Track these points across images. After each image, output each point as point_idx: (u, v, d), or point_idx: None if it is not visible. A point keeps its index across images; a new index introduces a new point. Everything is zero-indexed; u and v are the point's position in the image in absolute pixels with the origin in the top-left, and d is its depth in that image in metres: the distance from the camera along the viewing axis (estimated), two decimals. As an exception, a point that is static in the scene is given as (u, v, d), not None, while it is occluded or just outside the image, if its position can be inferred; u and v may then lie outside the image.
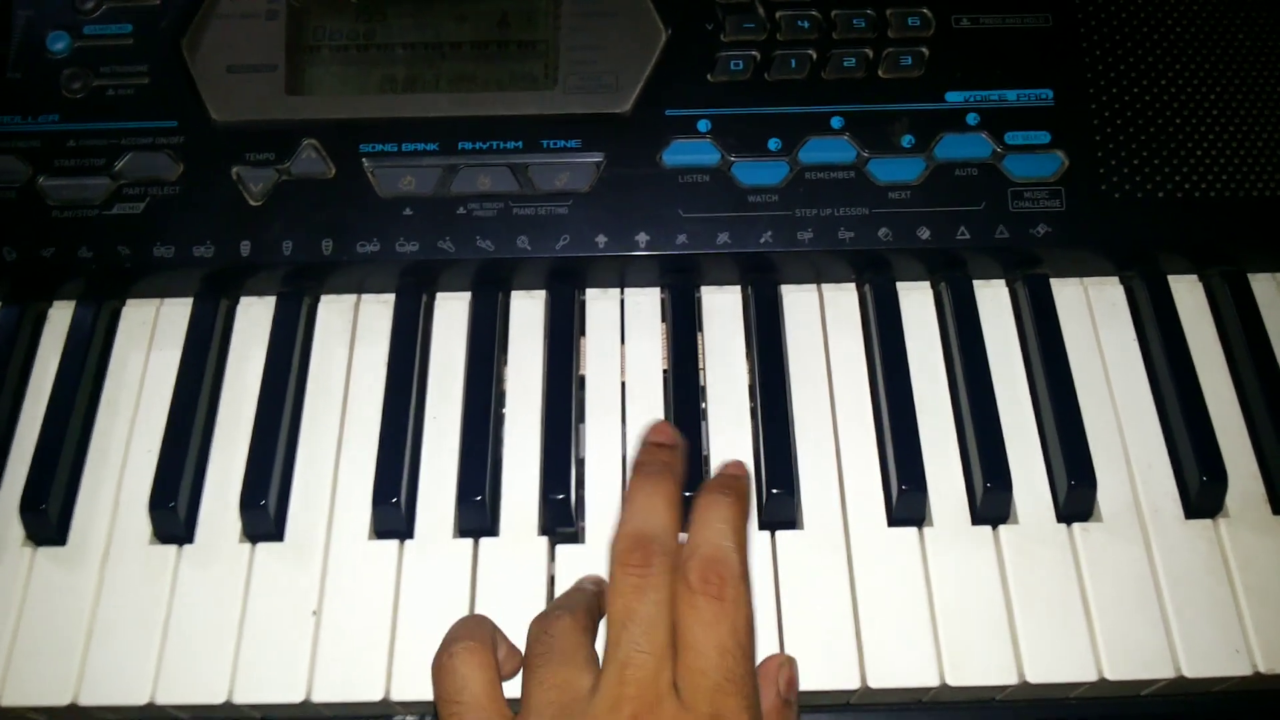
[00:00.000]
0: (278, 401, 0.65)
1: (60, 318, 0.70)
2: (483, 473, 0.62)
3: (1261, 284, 0.69)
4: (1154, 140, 0.68)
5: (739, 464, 0.58)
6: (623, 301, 0.70)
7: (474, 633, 0.54)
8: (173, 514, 0.62)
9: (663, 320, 0.69)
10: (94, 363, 0.68)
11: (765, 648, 0.58)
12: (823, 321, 0.69)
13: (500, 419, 0.66)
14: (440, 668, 0.52)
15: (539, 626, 0.53)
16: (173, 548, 0.62)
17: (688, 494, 0.55)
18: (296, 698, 0.58)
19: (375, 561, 0.61)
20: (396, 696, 0.58)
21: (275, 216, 0.68)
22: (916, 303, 0.69)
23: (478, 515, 0.62)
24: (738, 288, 0.70)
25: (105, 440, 0.66)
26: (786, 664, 0.55)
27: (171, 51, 0.71)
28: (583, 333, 0.69)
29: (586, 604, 0.55)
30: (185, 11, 0.71)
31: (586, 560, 0.61)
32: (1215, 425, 0.63)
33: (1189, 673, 0.58)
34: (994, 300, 0.69)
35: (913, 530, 0.62)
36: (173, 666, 0.59)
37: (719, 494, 0.54)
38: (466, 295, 0.70)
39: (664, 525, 0.53)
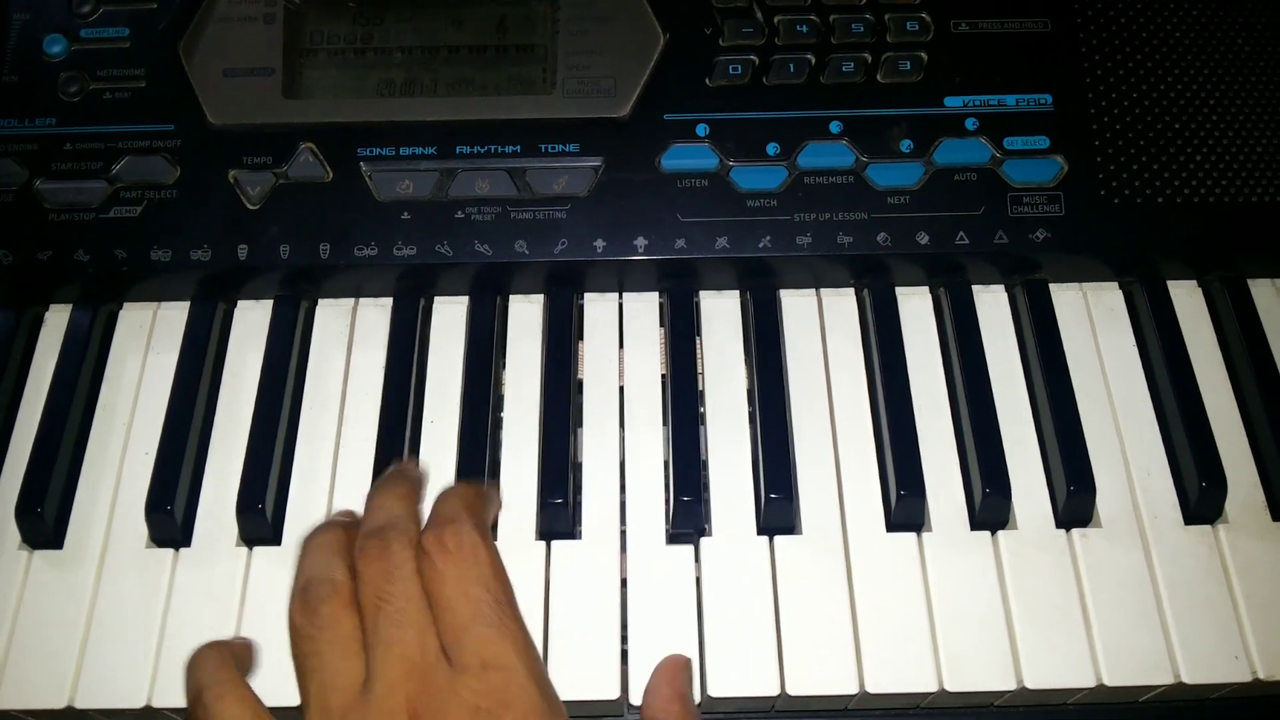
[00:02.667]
0: (275, 405, 0.65)
1: (57, 321, 0.70)
2: (480, 477, 0.62)
3: (1261, 289, 0.69)
4: (1153, 145, 0.68)
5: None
6: (621, 306, 0.70)
7: (216, 672, 0.51)
8: (170, 517, 0.62)
9: (661, 325, 0.69)
10: (91, 366, 0.68)
11: (763, 652, 0.58)
12: (821, 327, 0.69)
13: (498, 423, 0.66)
14: None
15: (302, 619, 0.51)
16: (169, 551, 0.62)
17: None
18: (295, 700, 0.58)
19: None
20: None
21: (272, 220, 0.68)
22: (915, 308, 0.69)
23: (475, 520, 0.61)
24: (736, 293, 0.70)
25: (102, 444, 0.66)
26: (686, 664, 0.56)
27: (168, 55, 0.71)
28: (581, 337, 0.69)
29: (344, 573, 0.52)
30: (182, 15, 0.71)
31: (581, 557, 0.61)
32: (1215, 431, 0.63)
33: (1188, 679, 0.58)
34: (993, 305, 0.69)
35: (911, 536, 0.62)
36: (170, 669, 0.59)
37: (453, 487, 0.55)
38: (464, 299, 0.70)
39: (398, 514, 0.53)
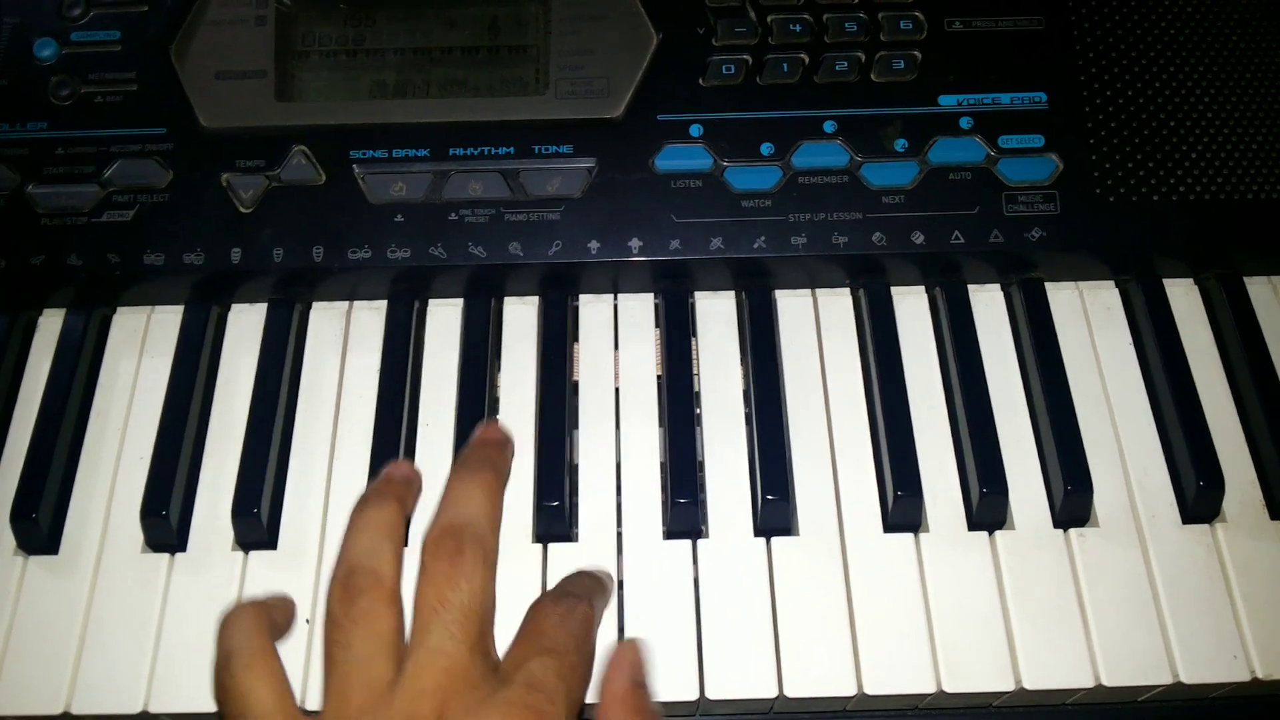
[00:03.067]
0: (270, 409, 0.65)
1: (50, 325, 0.69)
2: (476, 480, 0.62)
3: (1257, 287, 0.69)
4: (1148, 143, 0.68)
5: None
6: (616, 307, 0.70)
7: (249, 639, 0.50)
8: (165, 522, 0.61)
9: (656, 326, 0.69)
10: (85, 370, 0.67)
11: (761, 654, 0.58)
12: (817, 327, 0.68)
13: (493, 426, 0.65)
14: (220, 688, 0.50)
15: (339, 607, 0.50)
16: (165, 556, 0.62)
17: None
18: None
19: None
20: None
21: (266, 223, 0.67)
22: (911, 307, 0.69)
23: (471, 523, 0.61)
24: (731, 293, 0.69)
25: (96, 448, 0.65)
26: (638, 650, 0.53)
27: (160, 58, 0.70)
28: (576, 339, 0.68)
29: (392, 563, 0.52)
30: (174, 18, 0.71)
31: (578, 560, 0.61)
32: (1212, 430, 0.63)
33: (1187, 679, 0.58)
34: (989, 305, 0.69)
35: (909, 536, 0.62)
36: (166, 675, 0.59)
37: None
38: (459, 302, 0.69)
39: (477, 514, 0.52)
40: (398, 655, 0.49)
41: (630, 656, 0.52)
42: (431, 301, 0.70)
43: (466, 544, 0.50)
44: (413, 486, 0.58)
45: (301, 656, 0.59)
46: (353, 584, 0.50)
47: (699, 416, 0.65)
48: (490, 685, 0.47)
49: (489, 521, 0.53)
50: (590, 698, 0.51)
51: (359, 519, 0.53)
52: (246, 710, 0.49)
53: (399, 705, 0.47)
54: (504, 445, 0.58)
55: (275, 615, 0.54)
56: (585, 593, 0.53)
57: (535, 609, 0.52)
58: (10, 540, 0.63)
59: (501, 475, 0.56)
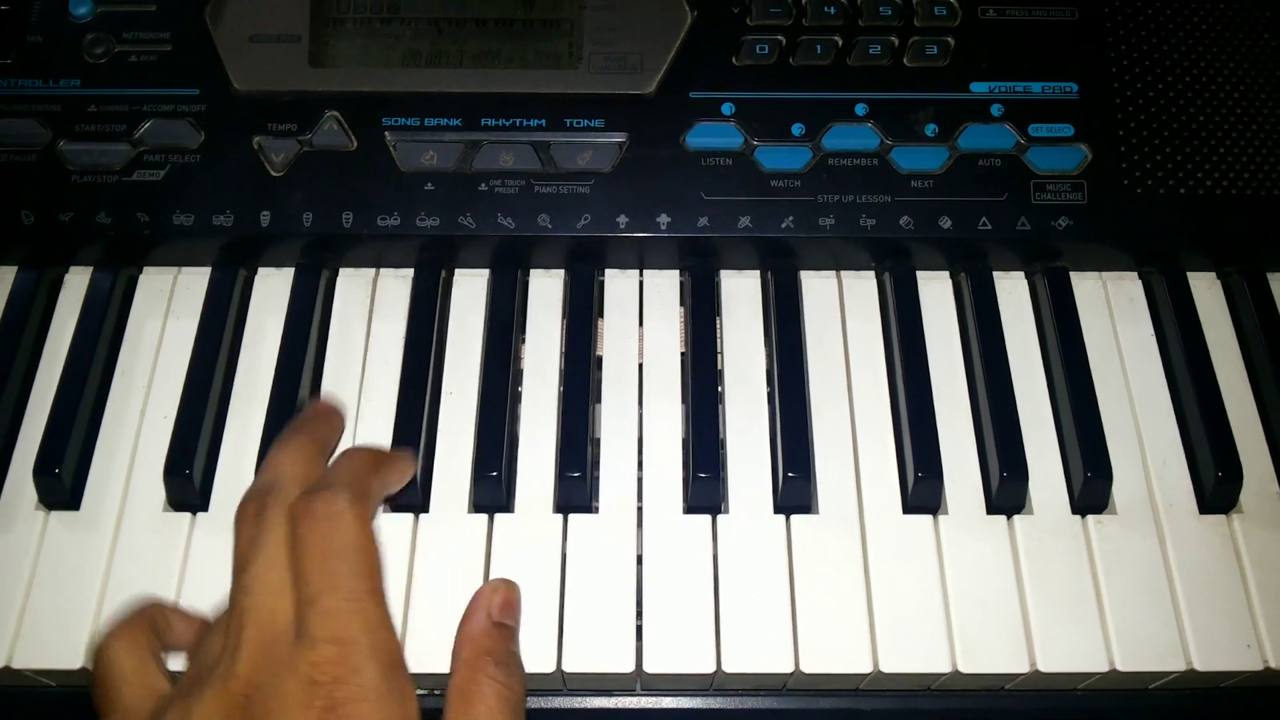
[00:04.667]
0: (295, 372, 0.65)
1: (77, 283, 0.70)
2: (499, 449, 0.62)
3: (1280, 283, 0.69)
4: (1177, 136, 0.68)
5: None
6: (642, 283, 0.70)
7: (125, 616, 0.53)
8: (188, 481, 0.62)
9: (681, 303, 0.69)
10: (110, 329, 0.68)
11: (778, 630, 0.59)
12: (841, 309, 0.69)
13: (517, 397, 0.66)
14: (93, 658, 0.52)
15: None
16: (187, 515, 0.62)
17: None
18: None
19: (391, 533, 0.61)
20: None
21: (296, 187, 0.68)
22: (936, 292, 0.69)
23: (493, 491, 0.62)
24: (757, 273, 0.70)
25: (120, 406, 0.66)
26: (503, 587, 0.54)
27: (195, 19, 0.70)
28: (601, 313, 0.69)
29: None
30: (210, -21, 0.71)
31: (600, 537, 0.61)
32: (1231, 422, 0.64)
33: (1200, 666, 0.58)
34: (1013, 292, 0.69)
35: (928, 518, 0.62)
36: (185, 633, 0.59)
37: (350, 451, 0.55)
38: (485, 272, 0.70)
39: (284, 474, 0.53)
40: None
41: (490, 595, 0.53)
42: (458, 271, 0.70)
43: (269, 503, 0.51)
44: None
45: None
46: (264, 499, 0.52)
47: (721, 394, 0.66)
48: (292, 640, 0.47)
49: (296, 479, 0.53)
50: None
51: (270, 452, 0.55)
52: (108, 674, 0.51)
53: (219, 670, 0.47)
54: (326, 415, 0.60)
55: (169, 611, 0.55)
56: (345, 478, 0.52)
57: (291, 542, 0.50)
58: (32, 495, 0.63)
59: (319, 441, 0.57)
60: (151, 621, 0.54)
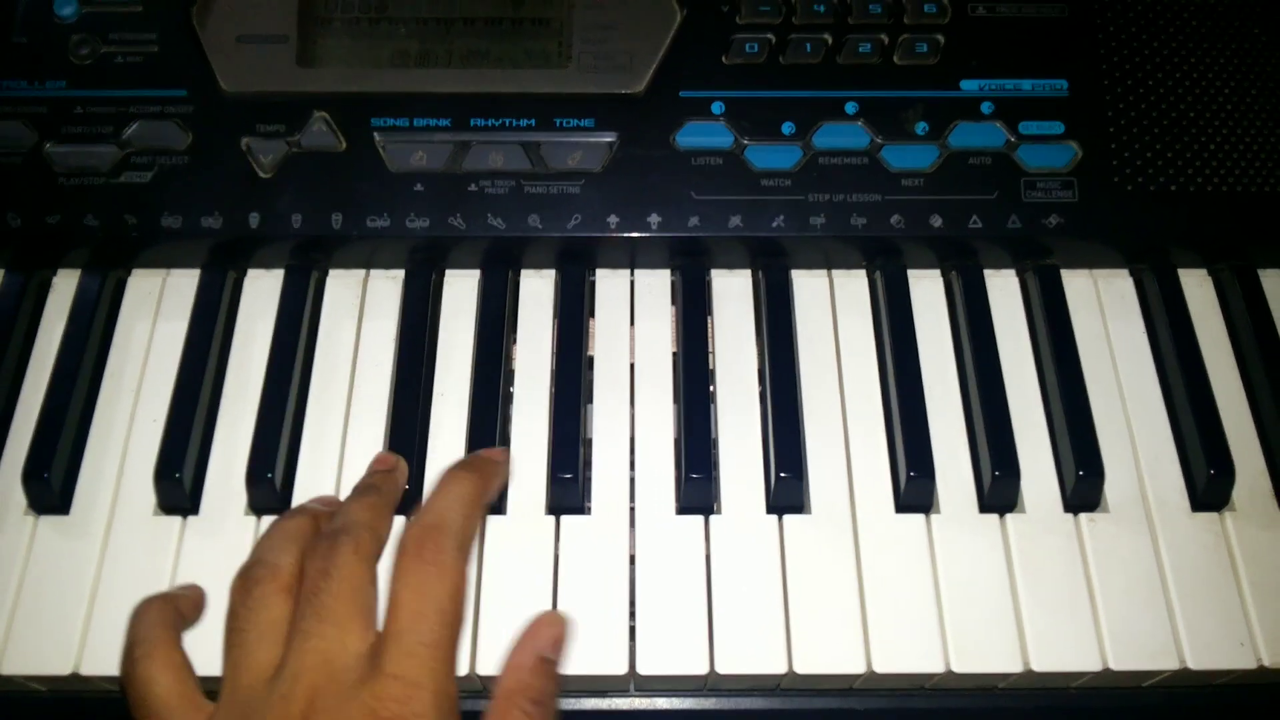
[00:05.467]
0: (285, 374, 0.65)
1: (65, 286, 0.69)
2: (490, 451, 0.62)
3: (1271, 280, 0.69)
4: (1167, 133, 0.68)
5: (498, 450, 0.61)
6: (633, 283, 0.70)
7: (151, 630, 0.53)
8: (178, 485, 0.61)
9: (672, 303, 0.69)
10: (99, 332, 0.67)
11: (771, 630, 0.58)
12: (833, 307, 0.69)
13: (509, 398, 0.66)
14: (124, 677, 0.52)
15: (236, 596, 0.53)
16: (177, 519, 0.62)
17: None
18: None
19: (382, 537, 0.61)
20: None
21: (285, 189, 0.67)
22: (927, 291, 0.69)
23: (485, 493, 0.61)
24: (748, 272, 0.70)
25: (110, 410, 0.65)
26: (559, 624, 0.55)
27: (181, 20, 0.70)
28: (592, 313, 0.68)
29: (291, 560, 0.54)
30: (196, -21, 0.70)
31: (593, 539, 0.61)
32: (1223, 419, 0.64)
33: (1193, 664, 0.58)
34: (1004, 290, 0.69)
35: (920, 517, 0.62)
36: (176, 638, 0.59)
37: (458, 469, 0.56)
38: (476, 273, 0.69)
39: (357, 521, 0.54)
40: (286, 644, 0.51)
41: (544, 630, 0.54)
42: (449, 272, 0.70)
43: (342, 542, 0.53)
44: (330, 504, 0.60)
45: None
46: (250, 575, 0.53)
47: (713, 394, 0.65)
48: (362, 671, 0.49)
49: (368, 527, 0.54)
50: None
51: (271, 527, 0.56)
52: (146, 696, 0.51)
53: (277, 689, 0.49)
54: (392, 470, 0.60)
55: (182, 606, 0.56)
56: (455, 520, 0.53)
57: (396, 561, 0.52)
58: (21, 500, 0.62)
59: (388, 499, 0.58)
60: (174, 624, 0.55)
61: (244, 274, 0.70)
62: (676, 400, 0.65)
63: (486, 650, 0.58)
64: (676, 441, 0.64)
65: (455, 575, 0.51)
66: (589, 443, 0.64)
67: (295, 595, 0.52)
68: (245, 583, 0.53)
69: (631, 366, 0.67)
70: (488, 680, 0.58)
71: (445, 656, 0.49)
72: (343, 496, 0.62)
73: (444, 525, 0.52)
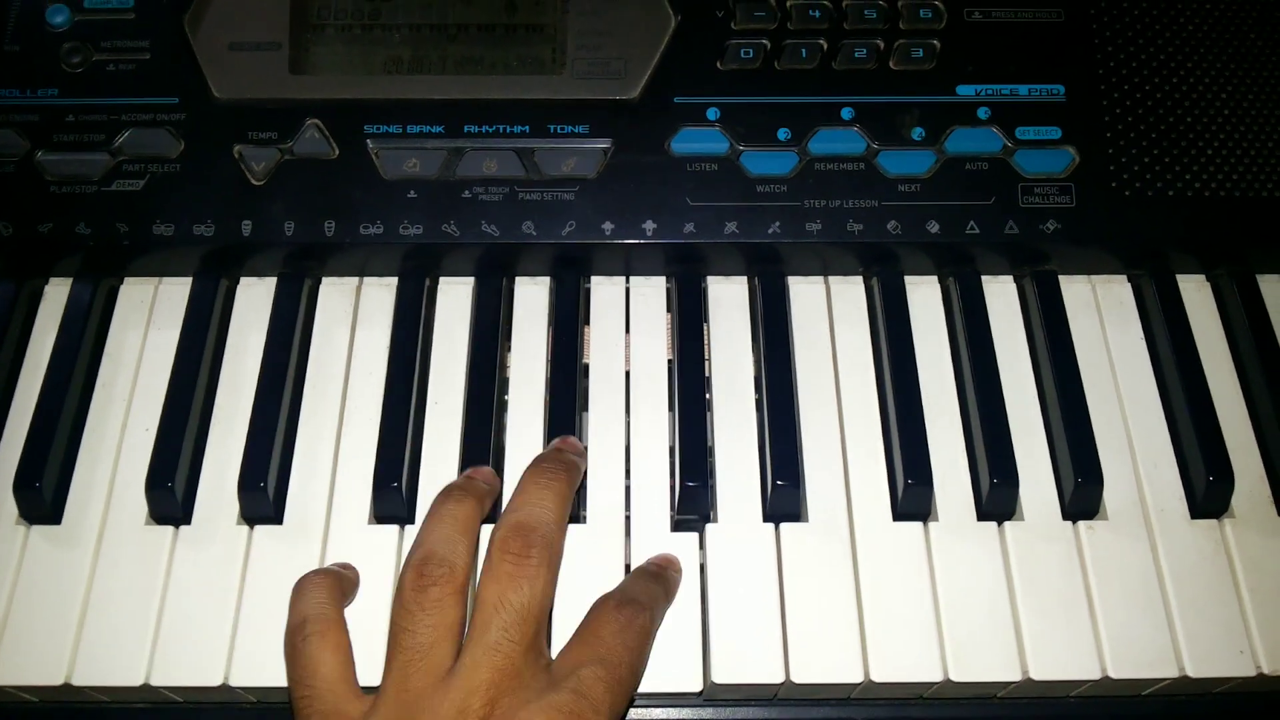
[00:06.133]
0: (278, 383, 0.64)
1: (57, 294, 0.69)
2: (485, 460, 0.62)
3: (1270, 285, 0.69)
4: (1165, 138, 0.68)
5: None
6: (628, 290, 0.69)
7: (323, 608, 0.54)
8: (170, 494, 0.61)
9: (668, 310, 0.68)
10: (91, 341, 0.67)
11: (768, 639, 0.58)
12: (829, 314, 0.68)
13: (503, 406, 0.65)
14: (292, 651, 0.53)
15: (411, 593, 0.52)
16: (169, 529, 0.62)
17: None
18: (280, 682, 0.57)
19: (375, 546, 0.61)
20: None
21: (277, 196, 0.67)
22: (924, 297, 0.69)
23: (479, 502, 0.61)
24: (744, 279, 0.69)
25: (101, 419, 0.65)
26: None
27: (173, 27, 0.70)
28: (587, 321, 0.68)
29: (466, 555, 0.54)
30: (188, -13, 0.70)
31: (588, 548, 0.60)
32: (1222, 426, 0.63)
33: (1193, 672, 0.58)
34: (1002, 296, 0.69)
35: (918, 525, 0.61)
36: (168, 648, 0.58)
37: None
38: (470, 280, 0.69)
39: (548, 517, 0.54)
40: (458, 646, 0.51)
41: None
42: (442, 279, 0.69)
43: (535, 545, 0.53)
44: (493, 490, 0.60)
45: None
46: (427, 571, 0.53)
47: (709, 401, 0.65)
48: (540, 685, 0.50)
49: (559, 525, 0.55)
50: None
51: (440, 509, 0.56)
52: (314, 676, 0.52)
53: (453, 695, 0.49)
54: (582, 455, 0.61)
55: (344, 585, 0.56)
56: (649, 601, 0.55)
57: (598, 611, 0.54)
58: (13, 510, 0.62)
59: (572, 483, 0.58)
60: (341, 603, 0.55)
61: (236, 282, 0.69)
62: (672, 408, 0.65)
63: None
64: (672, 450, 0.63)
65: (644, 648, 0.54)
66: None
67: (467, 594, 0.53)
68: (421, 580, 0.52)
69: (627, 374, 0.66)
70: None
71: (622, 702, 0.51)
72: (339, 501, 0.62)
73: (652, 602, 0.55)
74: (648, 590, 0.56)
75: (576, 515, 0.62)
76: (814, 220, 0.66)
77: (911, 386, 0.64)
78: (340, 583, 0.56)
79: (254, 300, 0.69)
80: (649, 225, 0.66)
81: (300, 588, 0.55)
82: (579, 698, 0.49)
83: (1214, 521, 0.62)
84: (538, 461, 0.58)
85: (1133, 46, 0.70)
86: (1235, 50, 0.70)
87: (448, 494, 0.57)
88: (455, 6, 0.70)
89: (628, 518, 0.62)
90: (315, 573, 0.56)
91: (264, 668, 0.58)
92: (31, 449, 0.62)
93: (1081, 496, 0.61)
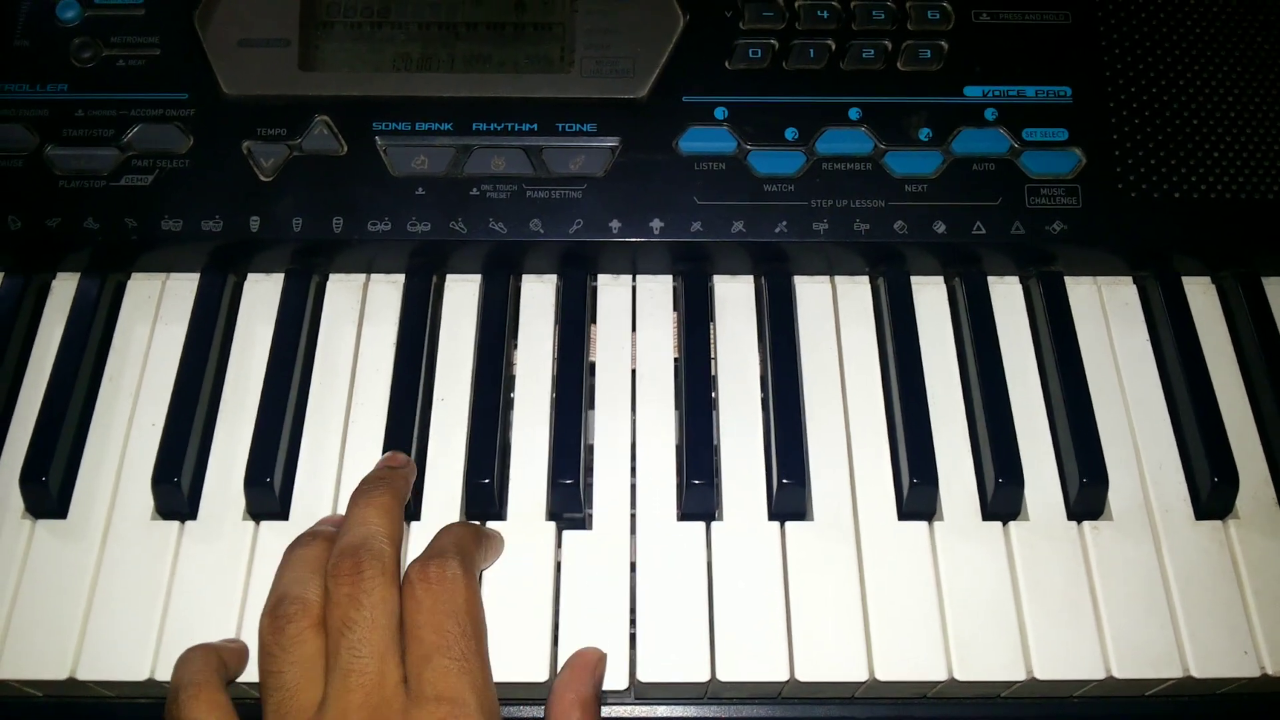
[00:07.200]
0: (284, 379, 0.65)
1: (64, 289, 0.69)
2: (491, 456, 0.62)
3: (1275, 287, 0.69)
4: (1171, 140, 0.68)
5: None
6: (634, 288, 0.69)
7: (197, 673, 0.53)
8: (176, 489, 0.61)
9: (674, 308, 0.69)
10: (98, 335, 0.67)
11: (773, 638, 0.58)
12: (835, 314, 0.68)
13: (509, 403, 0.65)
14: (172, 717, 0.52)
15: (270, 636, 0.52)
16: (175, 524, 0.62)
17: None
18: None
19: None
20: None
21: (286, 192, 0.67)
22: (930, 297, 0.69)
23: (485, 498, 0.61)
24: (750, 278, 0.69)
25: (108, 414, 0.65)
26: (602, 659, 0.56)
27: (183, 23, 0.70)
28: (594, 319, 0.68)
29: (318, 591, 0.54)
30: (198, -17, 0.70)
31: (594, 547, 0.60)
32: (1226, 427, 0.63)
33: (1197, 673, 0.58)
34: (1008, 297, 0.69)
35: (923, 524, 0.61)
36: (173, 643, 0.58)
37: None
38: (477, 278, 0.69)
39: (375, 531, 0.54)
40: (325, 679, 0.51)
41: (581, 673, 0.55)
42: (449, 276, 0.69)
43: (364, 562, 0.53)
44: (338, 525, 0.59)
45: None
46: (281, 612, 0.53)
47: (715, 400, 0.65)
48: (400, 704, 0.49)
49: (388, 537, 0.54)
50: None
51: (289, 555, 0.56)
52: None
53: None
54: (405, 465, 0.60)
55: (225, 655, 0.56)
56: (452, 547, 0.54)
57: (407, 590, 0.53)
58: (19, 503, 0.62)
59: (399, 495, 0.57)
60: (219, 669, 0.55)
61: (244, 278, 0.70)
62: (678, 406, 0.65)
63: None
64: (678, 448, 0.64)
65: (465, 590, 0.52)
66: (590, 449, 0.64)
67: (325, 627, 0.52)
68: (276, 621, 0.52)
69: (633, 372, 0.66)
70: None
71: (477, 669, 0.50)
72: (345, 497, 0.62)
73: (444, 550, 0.54)
74: (441, 539, 0.56)
75: (581, 513, 0.62)
76: (821, 220, 0.67)
77: (917, 386, 0.64)
78: (216, 653, 0.55)
79: (261, 296, 0.69)
80: (656, 224, 0.67)
81: (178, 662, 0.55)
82: (440, 703, 0.49)
83: (1218, 523, 0.62)
84: (359, 485, 0.58)
85: (1140, 49, 0.70)
86: (1242, 53, 0.70)
87: (296, 540, 0.57)
88: (464, 5, 0.70)
89: (633, 515, 0.62)
90: (192, 647, 0.56)
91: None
92: (38, 443, 0.62)
93: (1086, 497, 0.61)
